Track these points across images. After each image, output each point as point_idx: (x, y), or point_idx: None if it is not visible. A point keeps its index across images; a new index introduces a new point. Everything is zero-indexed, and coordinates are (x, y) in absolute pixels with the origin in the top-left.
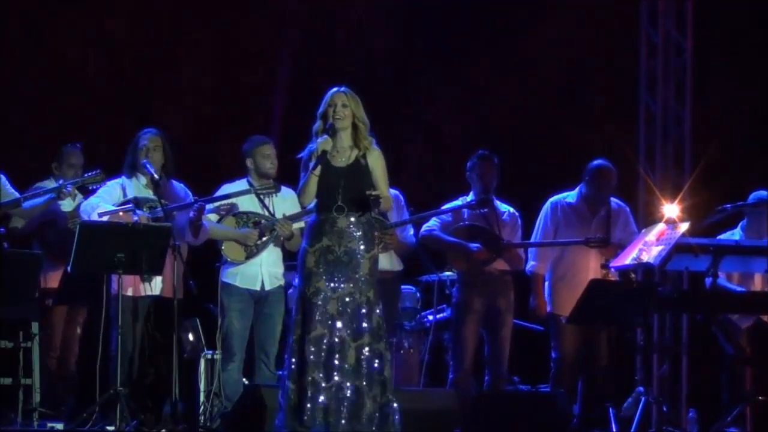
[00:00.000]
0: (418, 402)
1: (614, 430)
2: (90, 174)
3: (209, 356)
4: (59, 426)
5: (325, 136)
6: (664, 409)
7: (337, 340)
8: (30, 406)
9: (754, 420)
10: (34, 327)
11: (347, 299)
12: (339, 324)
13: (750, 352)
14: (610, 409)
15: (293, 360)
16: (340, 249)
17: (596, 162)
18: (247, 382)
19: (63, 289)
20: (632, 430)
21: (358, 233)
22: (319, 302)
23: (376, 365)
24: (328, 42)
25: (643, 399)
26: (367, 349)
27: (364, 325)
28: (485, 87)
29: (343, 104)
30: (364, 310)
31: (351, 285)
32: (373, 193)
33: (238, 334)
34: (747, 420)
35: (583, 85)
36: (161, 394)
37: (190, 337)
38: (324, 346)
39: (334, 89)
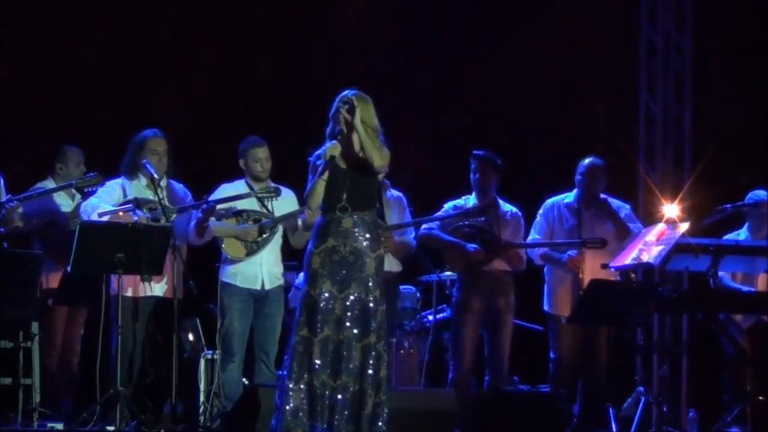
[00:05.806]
0: (418, 402)
1: (614, 430)
2: (86, 176)
3: (209, 356)
4: (59, 426)
5: (334, 141)
6: (664, 409)
7: (344, 340)
8: (30, 406)
9: (754, 420)
10: (34, 327)
11: (353, 299)
12: (346, 324)
13: (751, 352)
14: (610, 409)
15: (296, 361)
16: (345, 249)
17: (584, 161)
18: (247, 382)
19: (63, 290)
20: (632, 430)
21: (364, 233)
22: (326, 304)
23: (376, 366)
24: (328, 41)
25: (643, 399)
26: (372, 349)
27: (371, 325)
28: (485, 87)
29: (348, 107)
30: (370, 310)
31: (357, 285)
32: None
33: (238, 334)
34: (747, 420)
35: (583, 85)
36: (161, 394)
37: (190, 337)
38: (331, 348)
39: (344, 92)
